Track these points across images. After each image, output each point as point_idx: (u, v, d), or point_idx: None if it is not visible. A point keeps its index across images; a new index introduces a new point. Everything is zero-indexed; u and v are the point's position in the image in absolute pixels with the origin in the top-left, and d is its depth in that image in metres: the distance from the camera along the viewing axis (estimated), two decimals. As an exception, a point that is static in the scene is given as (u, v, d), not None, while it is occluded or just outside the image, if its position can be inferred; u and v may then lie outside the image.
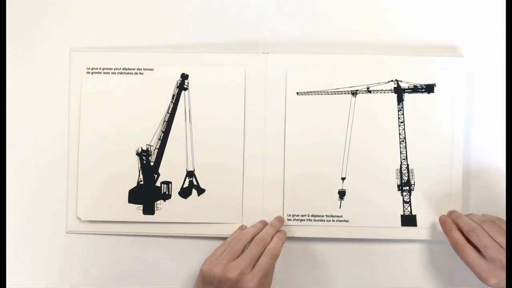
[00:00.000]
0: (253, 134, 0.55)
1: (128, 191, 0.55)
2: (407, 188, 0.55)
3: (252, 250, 0.47)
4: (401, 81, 0.55)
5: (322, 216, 0.55)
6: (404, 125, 0.55)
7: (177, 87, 0.55)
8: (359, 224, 0.55)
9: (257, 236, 0.49)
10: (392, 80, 0.55)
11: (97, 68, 0.55)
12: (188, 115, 0.55)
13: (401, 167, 0.55)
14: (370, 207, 0.55)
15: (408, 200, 0.55)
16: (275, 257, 0.48)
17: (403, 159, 0.55)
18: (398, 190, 0.55)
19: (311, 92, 0.55)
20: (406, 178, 0.55)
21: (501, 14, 0.56)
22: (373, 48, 0.56)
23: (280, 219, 0.54)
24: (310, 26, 0.57)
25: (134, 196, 0.55)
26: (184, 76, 0.55)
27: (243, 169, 0.55)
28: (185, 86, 0.55)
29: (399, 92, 0.55)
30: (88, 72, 0.55)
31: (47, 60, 0.56)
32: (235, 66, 0.55)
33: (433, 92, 0.54)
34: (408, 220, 0.55)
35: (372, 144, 0.55)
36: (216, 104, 0.55)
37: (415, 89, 0.55)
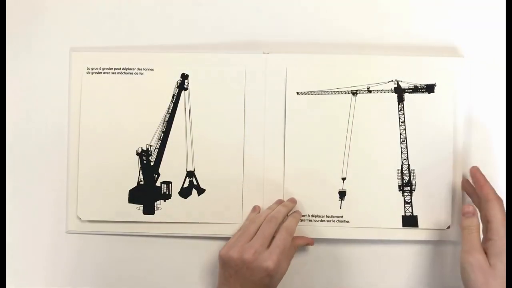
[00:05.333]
0: (253, 134, 0.55)
1: (128, 191, 0.55)
2: (408, 188, 0.54)
3: (264, 229, 0.48)
4: (401, 81, 0.54)
5: (322, 216, 0.54)
6: (405, 125, 0.54)
7: (177, 87, 0.55)
8: (359, 224, 0.54)
9: (268, 215, 0.50)
10: (392, 80, 0.54)
11: (97, 68, 0.55)
12: (188, 115, 0.55)
13: (402, 167, 0.54)
14: (370, 208, 0.54)
15: (410, 200, 0.54)
16: (290, 233, 0.48)
17: (404, 159, 0.54)
18: (399, 190, 0.54)
19: (311, 92, 0.55)
20: (407, 179, 0.54)
21: (501, 13, 0.56)
22: (373, 48, 0.56)
23: (293, 200, 0.53)
24: (310, 26, 0.57)
25: (134, 196, 0.55)
26: (184, 76, 0.55)
27: (243, 169, 0.54)
28: (185, 86, 0.55)
29: (400, 92, 0.54)
30: (88, 72, 0.55)
31: (47, 60, 0.56)
32: (235, 66, 0.55)
33: (433, 92, 0.54)
34: (409, 220, 0.54)
35: (372, 144, 0.54)
36: (216, 104, 0.55)
37: (415, 89, 0.54)
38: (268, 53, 0.55)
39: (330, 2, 0.57)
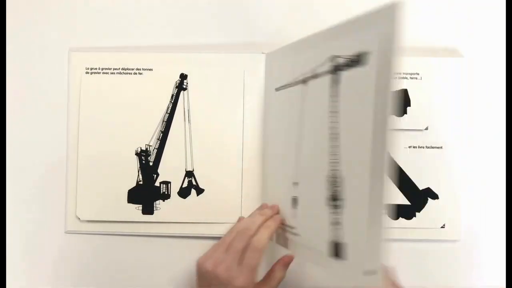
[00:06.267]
0: (252, 134, 0.55)
1: (127, 191, 0.55)
2: (337, 203, 0.39)
3: (236, 242, 0.45)
4: (339, 57, 0.39)
5: (286, 225, 0.49)
6: (338, 116, 0.39)
7: (176, 87, 0.55)
8: (306, 242, 0.45)
9: (242, 226, 0.46)
10: (328, 57, 0.40)
11: (96, 68, 0.55)
12: (187, 115, 0.55)
13: (331, 174, 0.40)
14: (308, 224, 0.45)
15: (337, 221, 0.38)
16: (259, 250, 0.44)
17: (335, 162, 0.39)
18: (326, 205, 0.40)
19: (283, 86, 0.49)
20: (337, 189, 0.39)
21: (502, 13, 0.56)
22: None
23: (273, 208, 0.50)
24: (310, 26, 0.56)
25: (134, 196, 0.55)
26: (183, 76, 0.55)
27: (242, 169, 0.54)
28: (184, 86, 0.55)
29: (335, 71, 0.40)
30: (87, 72, 0.55)
31: (46, 60, 0.56)
32: (235, 66, 0.55)
33: (367, 63, 0.36)
34: (336, 249, 0.38)
35: (306, 143, 0.45)
36: (215, 104, 0.55)
37: (349, 63, 0.38)
38: (267, 53, 0.55)
39: (330, 2, 0.57)
